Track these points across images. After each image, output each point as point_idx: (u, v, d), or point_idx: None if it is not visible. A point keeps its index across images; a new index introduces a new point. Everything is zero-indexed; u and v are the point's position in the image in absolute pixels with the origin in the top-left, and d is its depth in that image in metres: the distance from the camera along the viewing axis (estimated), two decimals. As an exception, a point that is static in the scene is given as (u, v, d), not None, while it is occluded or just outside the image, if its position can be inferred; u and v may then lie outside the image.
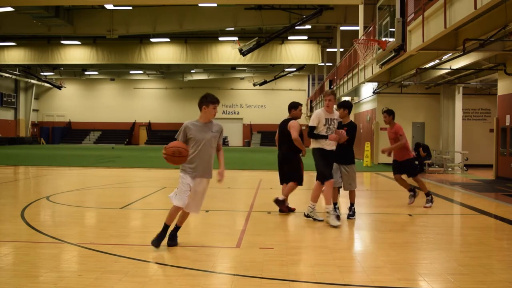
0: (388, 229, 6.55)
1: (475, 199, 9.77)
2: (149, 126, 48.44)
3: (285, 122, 7.68)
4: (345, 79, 21.65)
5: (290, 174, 7.60)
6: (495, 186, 12.36)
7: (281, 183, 7.80)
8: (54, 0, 22.74)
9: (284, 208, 7.59)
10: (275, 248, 5.34)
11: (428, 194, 8.59)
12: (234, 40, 28.65)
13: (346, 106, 7.24)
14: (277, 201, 7.57)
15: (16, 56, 33.94)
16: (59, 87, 44.37)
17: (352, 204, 7.31)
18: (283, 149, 7.69)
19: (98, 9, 28.40)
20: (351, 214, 7.22)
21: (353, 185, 7.23)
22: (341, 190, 7.50)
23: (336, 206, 7.14)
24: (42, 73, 42.18)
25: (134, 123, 48.77)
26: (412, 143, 18.34)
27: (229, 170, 9.68)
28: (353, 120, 7.38)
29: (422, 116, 19.69)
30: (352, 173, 7.19)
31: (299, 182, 7.60)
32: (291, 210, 7.70)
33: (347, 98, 24.25)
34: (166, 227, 5.26)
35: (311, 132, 6.75)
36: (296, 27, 25.69)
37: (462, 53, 10.84)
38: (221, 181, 5.21)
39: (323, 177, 6.73)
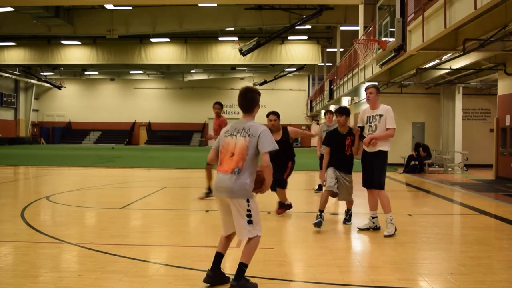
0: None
1: (475, 199, 9.76)
2: (149, 126, 48.44)
3: None
4: (345, 79, 21.64)
5: None
6: (495, 186, 12.35)
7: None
8: (54, 0, 22.75)
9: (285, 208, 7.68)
10: (275, 248, 5.35)
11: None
12: (234, 40, 28.65)
13: (345, 113, 6.56)
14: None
15: (16, 56, 33.95)
16: (59, 87, 44.37)
17: (349, 209, 6.86)
18: None
19: (98, 9, 28.40)
20: (347, 219, 6.80)
21: (351, 197, 6.71)
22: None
23: (322, 214, 6.35)
24: (42, 73, 42.18)
25: (134, 123, 48.77)
26: (412, 143, 18.34)
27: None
28: (352, 122, 7.12)
29: (422, 116, 19.69)
30: (351, 183, 6.62)
31: None
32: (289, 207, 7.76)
33: (347, 98, 24.27)
34: (245, 268, 3.89)
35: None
36: (296, 27, 25.69)
37: (462, 53, 10.84)
38: None
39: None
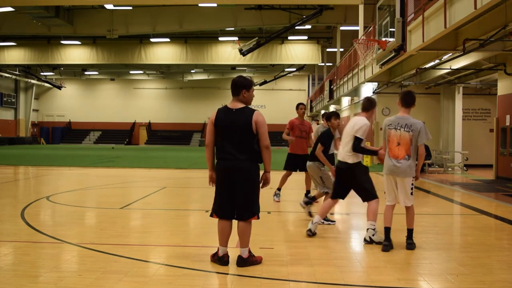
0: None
1: (475, 199, 9.76)
2: (149, 126, 48.43)
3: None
4: (345, 79, 21.63)
5: None
6: (495, 186, 12.35)
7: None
8: (54, 0, 22.74)
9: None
10: (275, 248, 5.34)
11: None
12: (234, 40, 28.63)
13: (339, 116, 7.05)
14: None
15: (16, 56, 33.92)
16: (59, 87, 44.34)
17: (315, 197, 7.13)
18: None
19: (98, 9, 28.39)
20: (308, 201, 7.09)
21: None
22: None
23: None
24: (42, 73, 42.15)
25: (134, 123, 48.76)
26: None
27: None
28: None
29: (422, 116, 19.60)
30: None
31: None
32: None
33: (347, 98, 24.25)
34: (412, 231, 5.48)
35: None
36: (296, 27, 25.67)
37: (462, 53, 10.82)
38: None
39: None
